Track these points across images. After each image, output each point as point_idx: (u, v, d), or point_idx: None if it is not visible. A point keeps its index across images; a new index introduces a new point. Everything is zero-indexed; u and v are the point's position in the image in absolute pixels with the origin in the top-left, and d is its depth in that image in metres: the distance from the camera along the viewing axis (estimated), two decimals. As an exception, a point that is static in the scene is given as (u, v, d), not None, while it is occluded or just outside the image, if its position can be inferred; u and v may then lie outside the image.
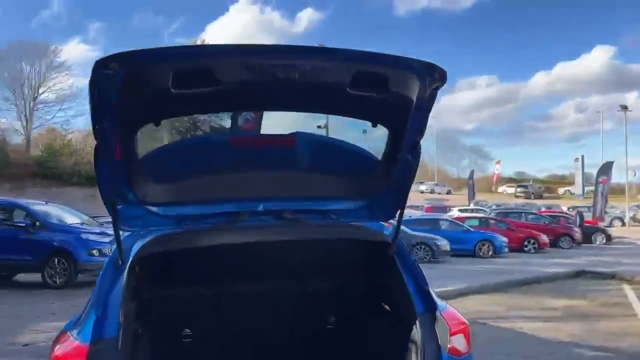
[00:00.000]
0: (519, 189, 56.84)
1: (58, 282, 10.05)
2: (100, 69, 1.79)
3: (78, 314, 2.32)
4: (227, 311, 2.94)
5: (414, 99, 2.26)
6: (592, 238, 25.20)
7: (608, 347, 5.92)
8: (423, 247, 16.66)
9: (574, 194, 56.69)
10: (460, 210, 30.63)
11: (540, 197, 55.18)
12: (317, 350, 3.16)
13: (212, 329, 2.95)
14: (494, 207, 34.96)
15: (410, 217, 24.46)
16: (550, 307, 8.52)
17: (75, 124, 44.67)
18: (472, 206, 35.76)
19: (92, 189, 20.94)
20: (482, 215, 26.10)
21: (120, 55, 1.82)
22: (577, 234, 23.85)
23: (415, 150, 2.53)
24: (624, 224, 36.67)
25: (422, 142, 2.54)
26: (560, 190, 60.61)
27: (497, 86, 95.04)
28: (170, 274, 2.71)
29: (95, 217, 12.71)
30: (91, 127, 2.03)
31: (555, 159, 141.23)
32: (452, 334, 2.40)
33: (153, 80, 1.94)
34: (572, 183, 61.25)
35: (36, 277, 10.37)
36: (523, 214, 26.27)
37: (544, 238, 21.37)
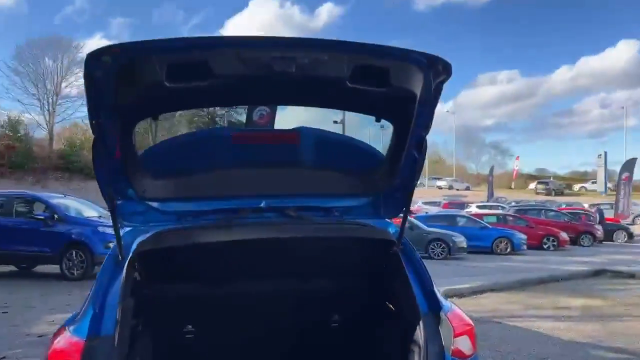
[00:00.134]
0: (539, 186, 55.92)
1: (75, 274, 10.22)
2: (93, 61, 1.77)
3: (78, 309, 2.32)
4: (229, 308, 2.92)
5: (418, 93, 2.19)
6: (614, 236, 24.71)
7: (627, 349, 5.77)
8: (439, 243, 16.49)
9: (595, 190, 55.48)
10: (479, 207, 30.26)
11: (561, 193, 54.21)
12: (321, 348, 3.12)
13: (214, 326, 2.93)
14: (513, 203, 34.50)
15: (426, 213, 24.35)
16: (567, 306, 8.34)
17: (97, 118, 45.07)
18: (490, 202, 35.31)
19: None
20: (500, 211, 25.76)
21: (112, 47, 1.79)
22: (599, 231, 23.40)
23: (421, 146, 2.46)
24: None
25: (428, 137, 2.48)
26: (576, 187, 59.32)
27: (518, 81, 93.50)
28: (170, 271, 2.70)
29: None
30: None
31: (578, 156, 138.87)
32: (456, 336, 2.34)
33: (147, 73, 1.91)
34: (591, 180, 59.95)
35: (55, 268, 10.56)
36: (543, 211, 25.87)
37: (564, 235, 21.00)
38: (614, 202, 33.09)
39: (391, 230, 2.82)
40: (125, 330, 2.18)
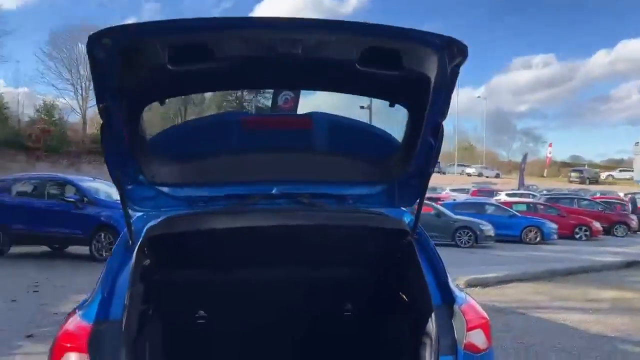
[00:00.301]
0: (573, 174, 54.38)
1: (104, 255, 10.47)
2: (94, 44, 1.75)
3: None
4: (241, 295, 2.91)
5: (432, 77, 2.09)
6: (650, 226, 23.90)
7: (656, 344, 5.57)
8: (466, 231, 16.26)
9: (627, 178, 53.63)
10: (508, 195, 29.65)
11: (596, 182, 52.62)
12: (333, 337, 3.09)
13: (226, 312, 2.93)
14: (544, 192, 33.69)
15: (454, 200, 24.00)
16: (596, 298, 8.10)
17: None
18: (521, 191, 34.53)
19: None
20: (530, 200, 25.19)
21: (112, 29, 1.77)
22: (633, 221, 22.67)
23: (438, 133, 2.36)
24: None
25: (444, 123, 2.38)
26: (603, 175, 57.33)
27: (554, 65, 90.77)
28: (181, 256, 2.70)
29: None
30: None
31: (614, 143, 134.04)
32: (469, 329, 2.27)
33: (149, 56, 1.88)
34: (620, 168, 57.92)
35: (87, 249, 10.85)
36: (575, 200, 25.21)
37: (597, 225, 20.44)
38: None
39: (406, 219, 2.74)
40: (134, 315, 2.18)
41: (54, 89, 41.30)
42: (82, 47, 41.56)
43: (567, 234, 19.56)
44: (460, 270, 9.72)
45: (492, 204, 20.79)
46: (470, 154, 66.36)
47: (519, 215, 19.43)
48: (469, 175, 54.03)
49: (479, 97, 66.60)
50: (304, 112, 2.62)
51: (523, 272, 10.03)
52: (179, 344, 2.87)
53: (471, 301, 2.46)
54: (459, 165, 57.56)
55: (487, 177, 53.93)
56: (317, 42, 1.93)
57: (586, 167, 58.28)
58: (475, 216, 17.70)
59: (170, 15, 67.22)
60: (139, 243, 2.35)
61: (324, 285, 2.95)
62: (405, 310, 2.63)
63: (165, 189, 2.57)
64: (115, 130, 2.12)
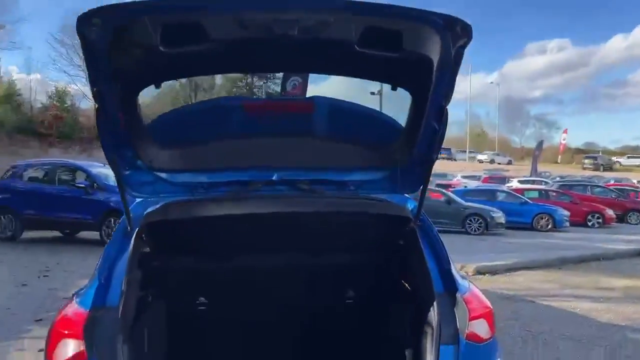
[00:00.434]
0: (586, 160, 53.64)
1: (114, 240, 10.57)
2: (84, 25, 1.71)
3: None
4: (241, 282, 2.89)
5: (436, 59, 2.02)
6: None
7: (668, 333, 5.48)
8: (476, 218, 16.14)
9: (638, 165, 52.81)
10: (520, 182, 29.36)
11: (610, 169, 51.88)
12: (334, 324, 3.06)
13: (227, 299, 2.91)
14: (557, 178, 33.31)
15: (465, 187, 23.82)
16: (607, 286, 7.99)
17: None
18: (533, 177, 34.18)
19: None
20: (542, 187, 24.92)
21: (102, 9, 1.72)
22: (648, 209, 22.35)
23: (442, 117, 2.28)
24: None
25: (449, 107, 2.30)
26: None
27: (569, 50, 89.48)
28: (180, 243, 2.67)
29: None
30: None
31: (631, 129, 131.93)
32: (472, 319, 2.21)
33: (140, 37, 1.83)
34: (628, 154, 56.99)
35: (97, 235, 10.95)
36: (589, 187, 24.90)
37: (610, 212, 20.19)
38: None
39: (409, 205, 2.69)
40: (131, 302, 2.17)
41: (65, 76, 41.34)
42: (93, 33, 42.05)
43: (580, 222, 19.35)
44: (470, 257, 9.66)
45: (503, 191, 20.61)
46: (482, 140, 65.75)
47: (531, 202, 19.24)
48: (480, 161, 53.55)
49: (491, 83, 65.82)
50: (305, 96, 2.56)
51: (533, 259, 9.95)
52: (180, 331, 2.85)
53: (475, 290, 2.41)
54: (469, 151, 57.01)
55: (499, 163, 53.40)
56: (314, 22, 1.87)
57: (600, 154, 57.42)
58: (486, 203, 17.58)
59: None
60: (137, 229, 2.32)
61: (325, 273, 2.92)
62: (407, 298, 2.59)
63: (163, 175, 2.53)
64: (110, 114, 2.09)
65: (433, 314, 2.23)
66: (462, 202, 16.92)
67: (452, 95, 2.24)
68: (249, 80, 37.56)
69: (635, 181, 34.06)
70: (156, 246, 2.50)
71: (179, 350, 2.86)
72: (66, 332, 2.00)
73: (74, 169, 11.99)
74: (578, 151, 63.22)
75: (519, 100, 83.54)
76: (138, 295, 2.28)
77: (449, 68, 2.06)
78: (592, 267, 9.84)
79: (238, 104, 2.62)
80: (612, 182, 32.44)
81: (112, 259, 2.26)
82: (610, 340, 5.21)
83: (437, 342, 2.16)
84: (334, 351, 3.05)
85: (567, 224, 18.08)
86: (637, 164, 53.22)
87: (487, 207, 16.83)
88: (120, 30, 1.78)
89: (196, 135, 2.51)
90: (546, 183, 28.46)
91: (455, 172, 37.75)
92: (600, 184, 27.62)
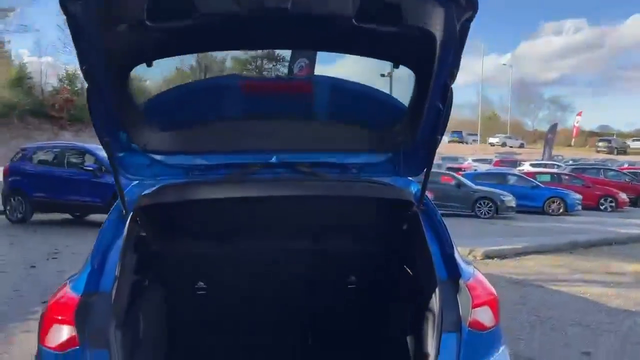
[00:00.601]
0: (600, 144, 52.85)
1: (123, 223, 10.62)
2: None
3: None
4: (241, 266, 2.84)
5: (439, 34, 1.91)
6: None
7: (680, 319, 5.37)
8: (486, 202, 15.99)
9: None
10: (532, 165, 29.03)
11: (625, 152, 51.10)
12: (336, 309, 3.01)
13: (226, 283, 2.87)
14: (570, 162, 32.91)
15: (475, 170, 23.60)
16: (618, 271, 7.87)
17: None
18: (546, 161, 33.77)
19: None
20: (554, 170, 24.62)
21: None
22: (662, 193, 22.00)
23: (446, 96, 2.18)
24: None
25: (453, 87, 2.19)
26: None
27: (585, 31, 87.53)
28: (177, 227, 2.62)
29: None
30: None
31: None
32: (475, 306, 2.14)
33: (127, 11, 1.75)
34: (634, 137, 55.91)
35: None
36: (602, 170, 24.54)
37: (623, 196, 19.92)
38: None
39: (412, 189, 2.60)
40: (125, 287, 2.12)
41: (75, 59, 41.47)
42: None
43: (592, 205, 19.14)
44: (479, 241, 9.56)
45: (514, 174, 20.38)
46: (494, 123, 64.97)
47: (542, 185, 19.00)
48: (492, 145, 52.96)
49: (504, 64, 64.76)
50: (304, 76, 2.47)
51: (543, 243, 9.82)
52: (178, 316, 2.82)
53: (479, 276, 2.33)
54: (470, 134, 55.97)
55: (510, 147, 52.80)
56: None
57: (615, 137, 56.52)
58: (497, 187, 17.42)
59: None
60: (131, 212, 2.27)
61: (326, 257, 2.86)
62: (409, 284, 2.52)
63: (159, 157, 2.47)
64: (102, 94, 2.01)
65: (435, 301, 2.16)
66: (472, 185, 16.75)
67: (457, 73, 2.13)
68: (259, 62, 37.26)
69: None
70: (152, 230, 2.45)
71: (177, 335, 2.83)
72: (59, 317, 1.97)
73: (82, 152, 11.99)
74: (592, 134, 62.29)
75: (533, 83, 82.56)
76: (133, 280, 2.24)
77: (454, 44, 1.95)
78: (603, 252, 9.70)
79: (236, 83, 2.53)
80: (625, 165, 31.97)
81: (106, 243, 2.21)
82: (619, 326, 5.13)
83: (438, 330, 2.09)
84: (334, 336, 3.01)
85: (579, 207, 17.86)
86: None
87: (497, 190, 16.66)
88: (105, 3, 1.70)
89: (193, 116, 2.44)
90: (558, 166, 28.13)
91: (467, 155, 37.41)
92: (613, 168, 27.25)
